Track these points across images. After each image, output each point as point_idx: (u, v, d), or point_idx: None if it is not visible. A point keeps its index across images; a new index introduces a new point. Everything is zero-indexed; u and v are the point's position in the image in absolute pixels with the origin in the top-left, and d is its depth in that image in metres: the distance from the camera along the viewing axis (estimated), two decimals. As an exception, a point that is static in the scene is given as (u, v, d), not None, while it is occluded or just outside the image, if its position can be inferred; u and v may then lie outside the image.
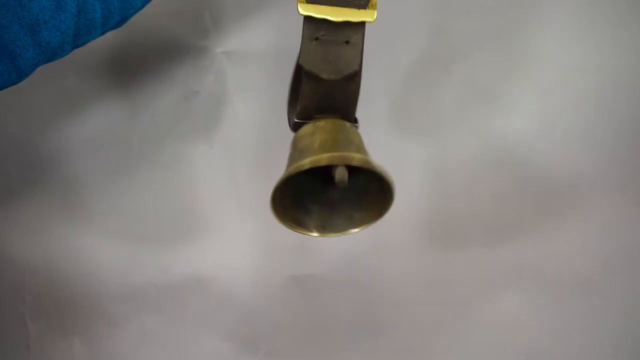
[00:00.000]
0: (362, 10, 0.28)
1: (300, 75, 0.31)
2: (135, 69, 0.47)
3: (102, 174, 0.50)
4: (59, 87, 0.48)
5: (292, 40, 0.45)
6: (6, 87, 0.28)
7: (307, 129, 0.32)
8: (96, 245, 0.52)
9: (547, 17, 0.45)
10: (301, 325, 0.54)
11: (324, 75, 0.30)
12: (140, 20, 0.40)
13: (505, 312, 0.52)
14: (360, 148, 0.31)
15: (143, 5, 0.33)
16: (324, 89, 0.30)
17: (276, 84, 0.48)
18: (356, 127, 0.33)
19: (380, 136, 0.48)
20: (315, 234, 0.31)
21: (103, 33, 0.32)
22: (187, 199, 0.51)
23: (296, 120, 0.32)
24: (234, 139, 0.49)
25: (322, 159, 0.28)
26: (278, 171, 0.49)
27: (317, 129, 0.31)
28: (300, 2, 0.28)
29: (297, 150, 0.31)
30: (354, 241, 0.51)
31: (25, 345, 0.55)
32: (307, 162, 0.28)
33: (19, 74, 0.28)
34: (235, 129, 0.49)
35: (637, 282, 0.50)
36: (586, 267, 0.50)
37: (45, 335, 0.55)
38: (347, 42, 0.29)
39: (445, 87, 0.47)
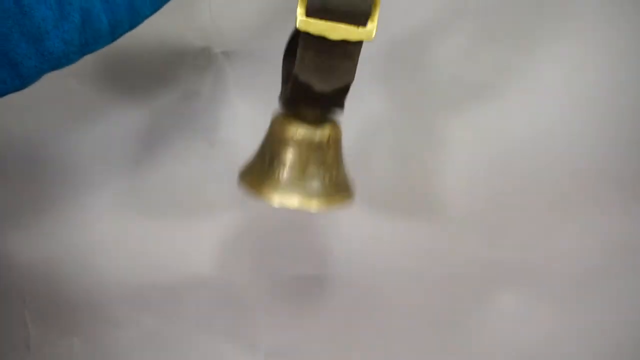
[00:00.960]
0: (360, 29, 0.28)
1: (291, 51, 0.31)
2: (135, 69, 0.47)
3: (101, 174, 0.50)
4: (59, 87, 0.47)
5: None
6: (9, 92, 0.28)
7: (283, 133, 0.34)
8: (96, 246, 0.52)
9: (549, 16, 0.45)
10: (301, 325, 0.54)
11: (317, 88, 0.30)
12: (140, 20, 0.40)
13: (505, 312, 0.52)
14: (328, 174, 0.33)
15: (152, 13, 0.33)
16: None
17: (276, 84, 0.48)
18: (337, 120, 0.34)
19: (377, 136, 0.48)
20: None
21: (114, 40, 0.31)
22: (187, 199, 0.51)
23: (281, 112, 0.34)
24: (234, 139, 0.49)
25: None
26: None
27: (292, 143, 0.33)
28: (300, 15, 0.28)
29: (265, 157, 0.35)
30: (354, 241, 0.51)
31: (25, 345, 0.55)
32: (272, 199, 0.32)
33: (22, 81, 0.28)
34: (235, 129, 0.49)
35: (638, 282, 0.50)
36: (586, 267, 0.50)
37: (45, 335, 0.55)
38: (344, 54, 0.29)
39: (444, 86, 0.47)
